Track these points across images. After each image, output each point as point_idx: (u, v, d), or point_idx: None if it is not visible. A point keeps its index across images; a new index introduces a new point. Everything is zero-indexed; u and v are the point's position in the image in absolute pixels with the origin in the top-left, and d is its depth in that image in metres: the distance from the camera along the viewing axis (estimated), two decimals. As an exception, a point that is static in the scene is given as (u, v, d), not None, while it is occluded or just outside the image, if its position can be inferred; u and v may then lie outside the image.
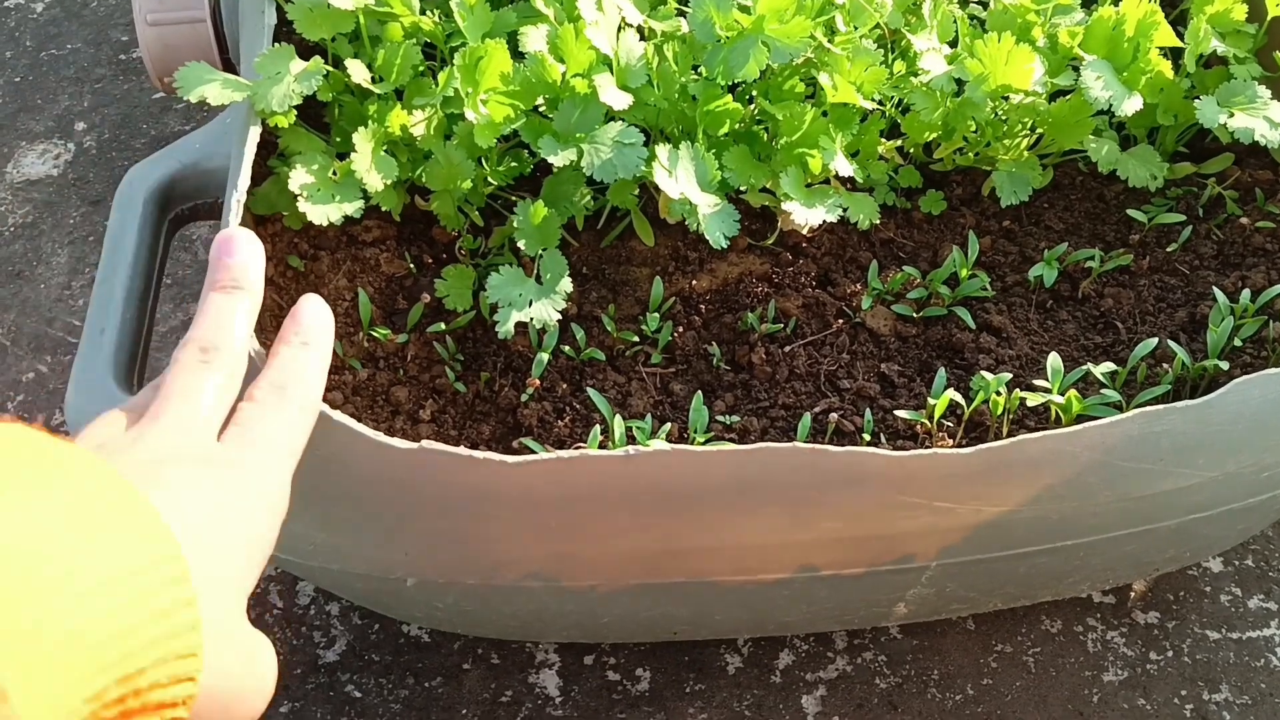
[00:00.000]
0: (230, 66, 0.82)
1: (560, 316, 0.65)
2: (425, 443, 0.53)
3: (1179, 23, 0.79)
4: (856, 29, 0.70)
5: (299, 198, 0.61)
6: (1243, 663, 0.77)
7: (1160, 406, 0.54)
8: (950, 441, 0.62)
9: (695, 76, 0.68)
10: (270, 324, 0.68)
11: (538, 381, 0.65)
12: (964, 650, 0.77)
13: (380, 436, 0.53)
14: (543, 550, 0.55)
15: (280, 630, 0.78)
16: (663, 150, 0.63)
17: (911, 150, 0.77)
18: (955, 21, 0.73)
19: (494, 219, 0.73)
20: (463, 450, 0.52)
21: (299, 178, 0.61)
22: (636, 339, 0.68)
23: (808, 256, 0.73)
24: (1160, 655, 0.77)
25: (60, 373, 0.90)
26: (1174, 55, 0.73)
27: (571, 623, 0.67)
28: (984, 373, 0.64)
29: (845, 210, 0.69)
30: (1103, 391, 0.62)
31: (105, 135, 1.06)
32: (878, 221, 0.71)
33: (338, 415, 0.54)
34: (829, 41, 0.69)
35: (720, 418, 0.64)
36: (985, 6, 0.79)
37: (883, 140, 0.73)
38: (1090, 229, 0.75)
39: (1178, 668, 0.77)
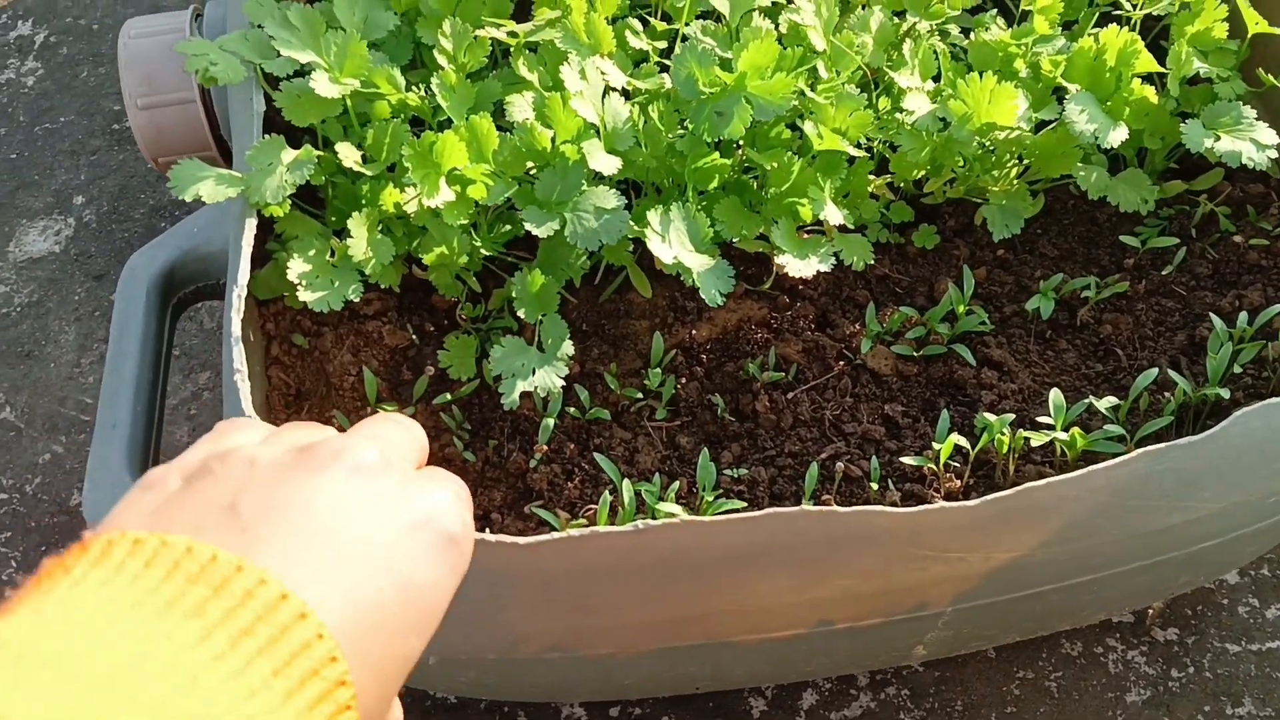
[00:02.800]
0: (222, 143, 0.83)
1: (564, 382, 0.65)
2: (437, 529, 0.53)
3: (1161, 37, 0.79)
4: (839, 74, 0.71)
5: (299, 286, 0.61)
6: (1264, 674, 0.77)
7: (1163, 445, 0.54)
8: (958, 483, 0.63)
9: (681, 131, 0.68)
10: (279, 402, 0.69)
11: (545, 447, 0.66)
12: (986, 679, 0.78)
13: (392, 524, 0.53)
14: (560, 625, 0.56)
15: (307, 699, 0.78)
16: (654, 215, 0.63)
17: (902, 185, 0.77)
18: (937, 56, 0.73)
19: (492, 280, 0.73)
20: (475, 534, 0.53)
21: (297, 267, 0.62)
22: (640, 395, 0.69)
23: (805, 299, 0.73)
24: (1181, 672, 0.77)
25: (76, 452, 0.91)
26: (1158, 76, 0.73)
27: (593, 687, 0.67)
28: (987, 413, 0.64)
29: (839, 253, 0.69)
30: (1106, 426, 0.62)
31: (104, 208, 1.07)
32: (872, 261, 0.71)
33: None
34: (812, 89, 0.69)
35: (728, 470, 0.65)
36: (967, 35, 0.79)
37: (872, 178, 0.73)
38: (1085, 254, 0.75)
39: (1199, 683, 0.77)
